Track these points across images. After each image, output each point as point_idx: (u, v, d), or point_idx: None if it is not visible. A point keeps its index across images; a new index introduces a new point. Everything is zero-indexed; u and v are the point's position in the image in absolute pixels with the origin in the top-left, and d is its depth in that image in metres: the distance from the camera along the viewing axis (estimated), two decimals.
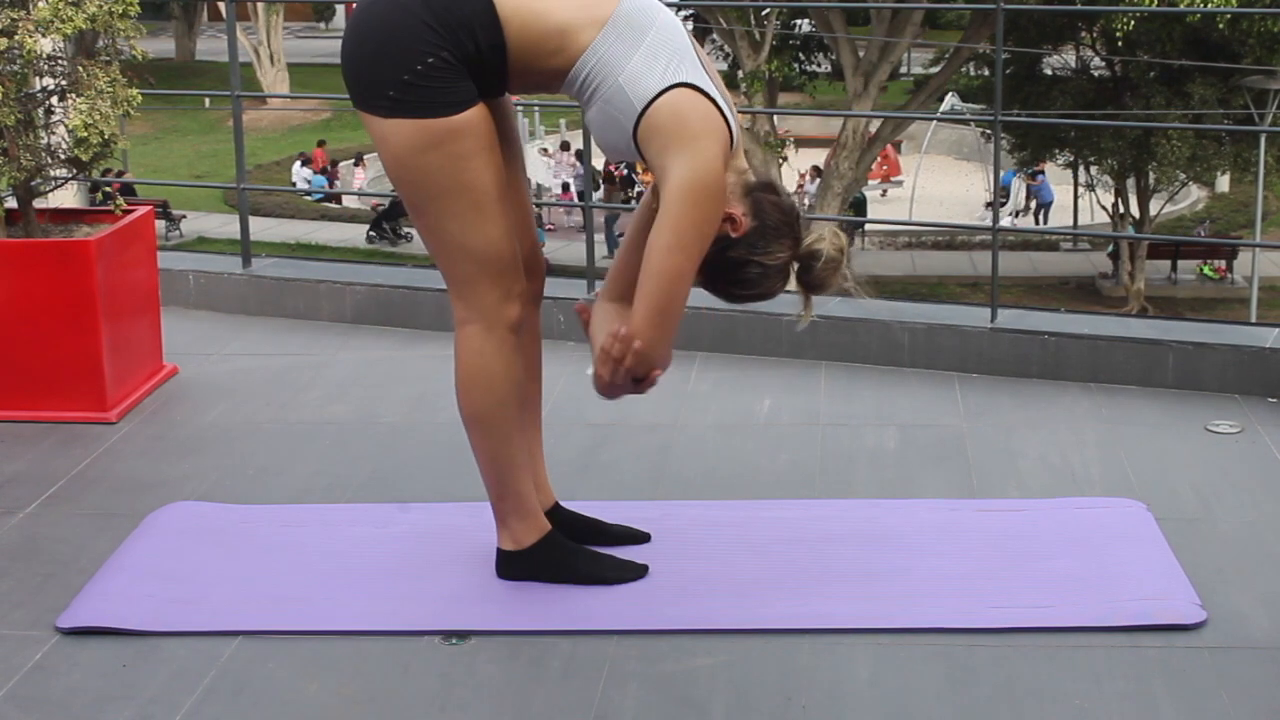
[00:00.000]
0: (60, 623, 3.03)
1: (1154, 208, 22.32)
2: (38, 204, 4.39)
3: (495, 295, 2.97)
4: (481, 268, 2.95)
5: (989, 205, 26.02)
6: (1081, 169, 22.74)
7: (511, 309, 3.00)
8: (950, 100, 25.81)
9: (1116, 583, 3.12)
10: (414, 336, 5.06)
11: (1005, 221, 23.84)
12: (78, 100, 4.15)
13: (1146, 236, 24.04)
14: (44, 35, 4.13)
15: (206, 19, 41.58)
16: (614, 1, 2.87)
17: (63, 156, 4.29)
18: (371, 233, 24.56)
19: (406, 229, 24.92)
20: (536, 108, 26.34)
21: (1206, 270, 23.27)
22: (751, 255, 2.91)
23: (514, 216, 3.01)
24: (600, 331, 2.94)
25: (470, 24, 2.81)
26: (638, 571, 3.17)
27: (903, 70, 30.83)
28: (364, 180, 26.47)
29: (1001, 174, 22.36)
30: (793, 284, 3.01)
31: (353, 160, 27.50)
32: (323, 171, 27.21)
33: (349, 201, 26.77)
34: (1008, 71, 20.85)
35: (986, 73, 24.05)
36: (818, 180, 22.85)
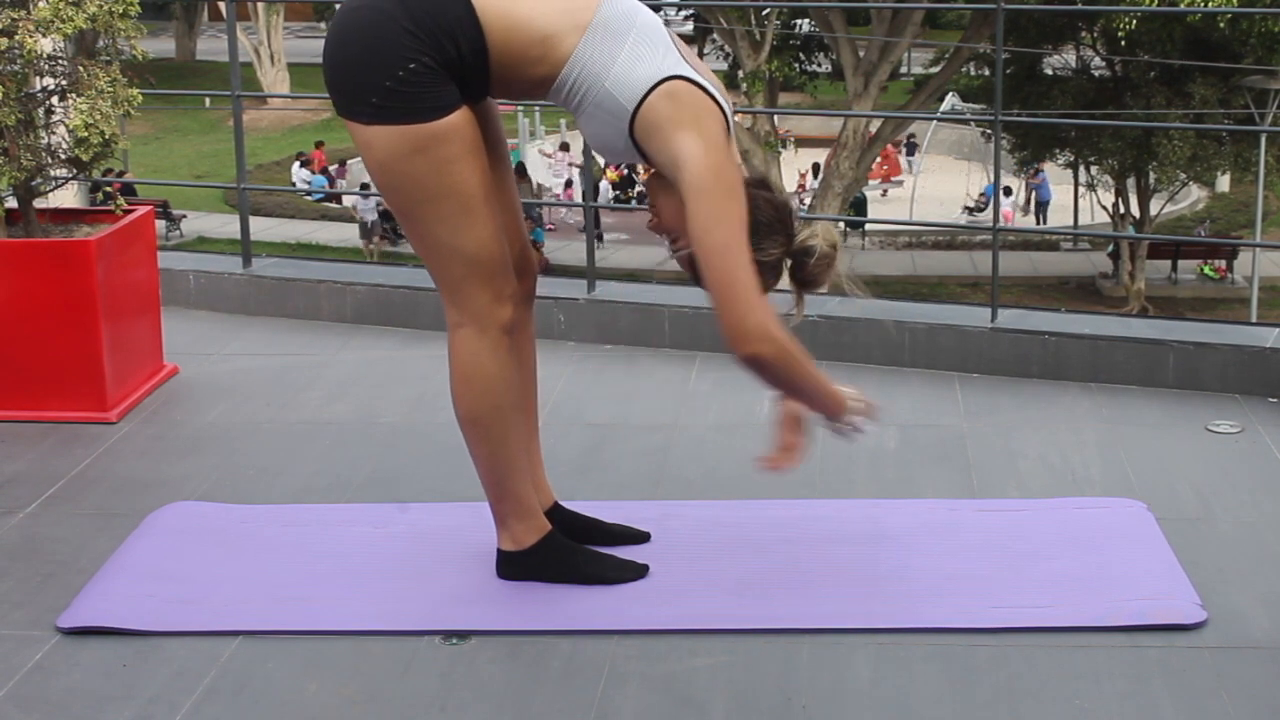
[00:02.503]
0: (60, 623, 3.03)
1: (1154, 208, 22.33)
2: (38, 204, 4.39)
3: (487, 297, 2.97)
4: (472, 270, 2.94)
5: (967, 209, 26.07)
6: (1082, 169, 22.74)
7: (504, 310, 3.00)
8: (950, 100, 25.82)
9: (1117, 583, 3.12)
10: (414, 336, 5.06)
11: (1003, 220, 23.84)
12: (78, 100, 4.15)
13: (1147, 236, 24.04)
14: (44, 35, 4.13)
15: (207, 19, 41.60)
16: (594, 6, 2.87)
17: (63, 156, 4.29)
18: None
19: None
20: (537, 108, 26.36)
21: (1207, 270, 23.28)
22: None
23: (503, 217, 3.01)
24: None
25: (451, 29, 2.80)
26: (638, 571, 3.17)
27: (903, 70, 30.85)
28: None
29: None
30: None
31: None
32: (323, 172, 27.22)
33: (349, 201, 26.79)
34: (1008, 71, 20.85)
35: (986, 73, 24.05)
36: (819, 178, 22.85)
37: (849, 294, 3.03)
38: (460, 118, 2.86)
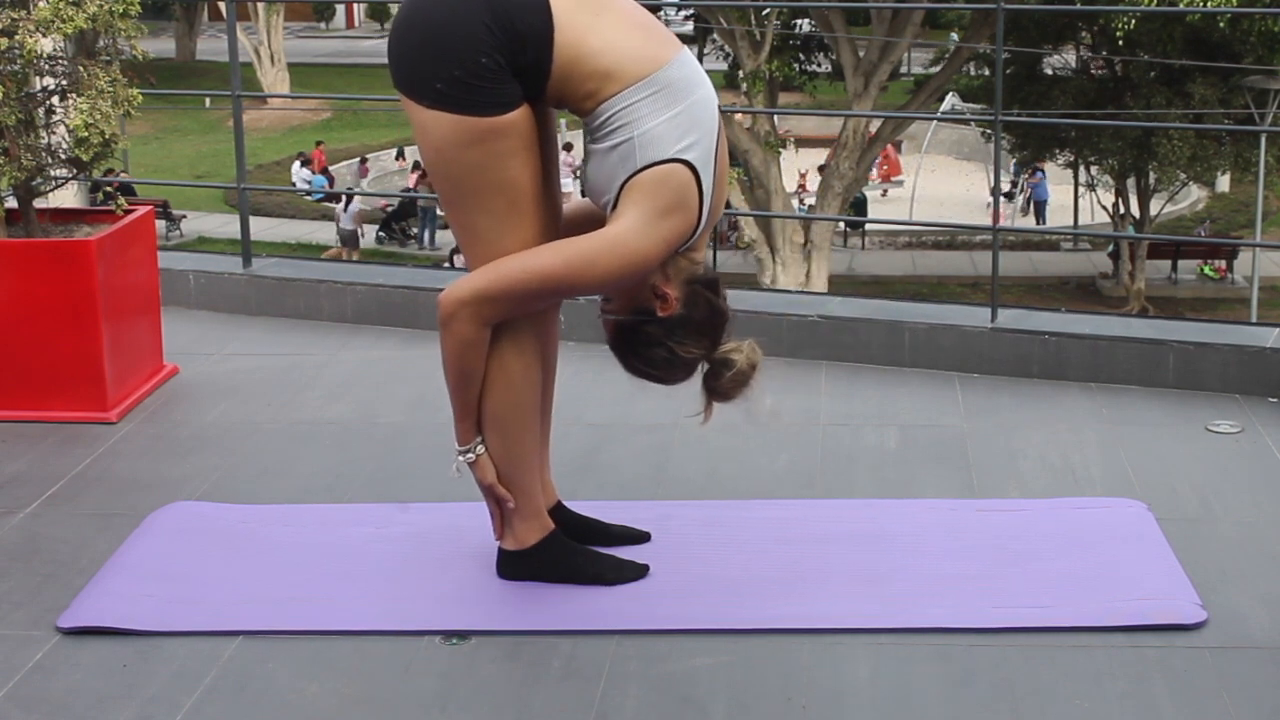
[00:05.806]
0: (60, 623, 3.03)
1: (1154, 208, 22.34)
2: (38, 204, 4.39)
3: None
4: None
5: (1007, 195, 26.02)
6: (1082, 169, 22.75)
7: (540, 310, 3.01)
8: (950, 100, 25.82)
9: (1117, 583, 3.12)
10: (414, 337, 5.06)
11: (1003, 220, 23.85)
12: (78, 100, 4.15)
13: (1147, 236, 24.06)
14: (44, 35, 4.13)
15: (207, 19, 41.62)
16: (663, 61, 2.88)
17: (63, 156, 4.29)
18: (381, 233, 24.64)
19: (415, 230, 24.96)
20: None
21: (1207, 270, 23.30)
22: (666, 339, 2.95)
23: (546, 219, 3.00)
24: None
25: (525, 37, 2.81)
26: (638, 571, 3.17)
27: (903, 70, 30.85)
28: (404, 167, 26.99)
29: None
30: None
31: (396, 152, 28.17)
32: (323, 171, 27.24)
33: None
34: (1008, 71, 20.86)
35: (986, 73, 24.05)
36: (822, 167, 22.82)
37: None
38: (520, 114, 2.87)
